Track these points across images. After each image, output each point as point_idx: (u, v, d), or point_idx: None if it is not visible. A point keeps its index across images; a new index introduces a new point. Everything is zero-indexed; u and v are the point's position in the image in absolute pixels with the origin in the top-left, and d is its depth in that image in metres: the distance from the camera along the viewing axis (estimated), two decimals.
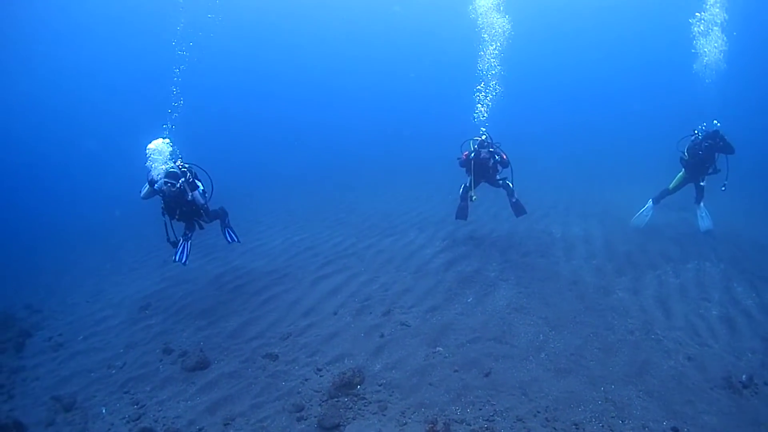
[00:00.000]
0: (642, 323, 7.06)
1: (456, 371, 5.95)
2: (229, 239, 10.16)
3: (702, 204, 11.16)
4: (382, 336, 7.02)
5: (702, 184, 10.93)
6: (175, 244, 8.95)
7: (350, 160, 28.88)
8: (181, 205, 8.72)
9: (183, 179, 8.53)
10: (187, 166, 8.91)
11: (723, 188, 10.54)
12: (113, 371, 7.09)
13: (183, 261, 8.98)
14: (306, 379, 6.16)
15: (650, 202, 11.70)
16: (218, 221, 10.09)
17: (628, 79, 41.60)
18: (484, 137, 10.40)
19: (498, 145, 10.50)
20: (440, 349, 6.52)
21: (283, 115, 43.47)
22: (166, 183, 8.31)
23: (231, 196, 18.98)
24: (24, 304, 10.51)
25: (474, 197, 10.50)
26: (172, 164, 8.66)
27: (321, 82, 49.13)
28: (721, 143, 10.41)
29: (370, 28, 49.77)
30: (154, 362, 7.14)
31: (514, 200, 10.97)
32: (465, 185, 10.85)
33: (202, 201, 8.87)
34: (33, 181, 29.74)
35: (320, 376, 6.19)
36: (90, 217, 20.11)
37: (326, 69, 50.16)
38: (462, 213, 11.16)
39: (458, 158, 10.61)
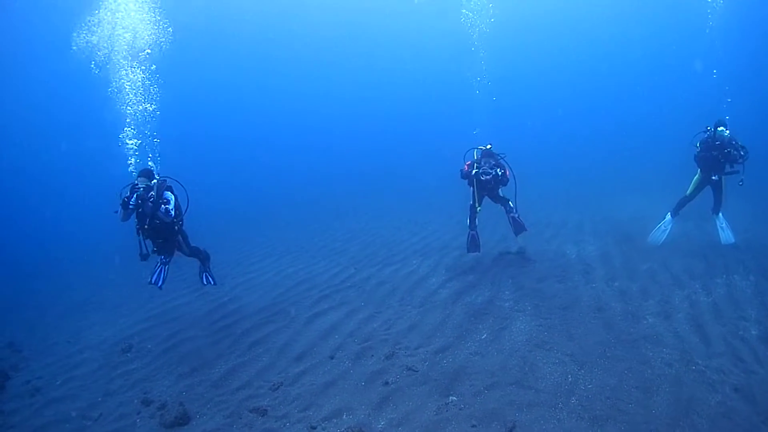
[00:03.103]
0: (680, 353, 6.25)
1: (474, 426, 5.08)
2: (204, 281, 9.65)
3: (720, 214, 10.59)
4: (385, 384, 6.16)
5: (714, 178, 10.29)
6: (145, 257, 8.49)
7: (347, 184, 28.35)
8: (152, 217, 8.19)
9: (155, 181, 8.26)
10: (159, 177, 8.53)
11: (740, 183, 9.94)
12: (89, 423, 6.45)
13: (159, 285, 8.62)
14: None
15: (668, 216, 11.00)
16: (199, 262, 9.56)
17: (632, 86, 41.18)
18: (489, 146, 10.08)
19: (503, 156, 10.15)
20: (454, 398, 5.65)
21: (280, 139, 43.19)
22: (136, 185, 8.08)
23: (224, 221, 18.59)
24: (6, 341, 9.93)
25: (479, 208, 10.20)
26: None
27: (316, 104, 48.91)
28: (732, 150, 9.93)
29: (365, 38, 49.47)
30: (131, 414, 6.44)
31: (513, 215, 10.45)
32: (470, 213, 10.44)
33: (166, 219, 8.26)
34: (21, 204, 29.09)
35: None
36: (80, 246, 19.50)
37: (322, 90, 49.99)
38: (474, 245, 10.63)
39: (461, 169, 10.22)
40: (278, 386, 6.49)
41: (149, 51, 10.61)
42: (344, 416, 5.61)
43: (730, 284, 8.41)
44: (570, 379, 5.81)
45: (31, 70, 34.61)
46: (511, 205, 10.41)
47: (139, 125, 9.75)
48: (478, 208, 10.20)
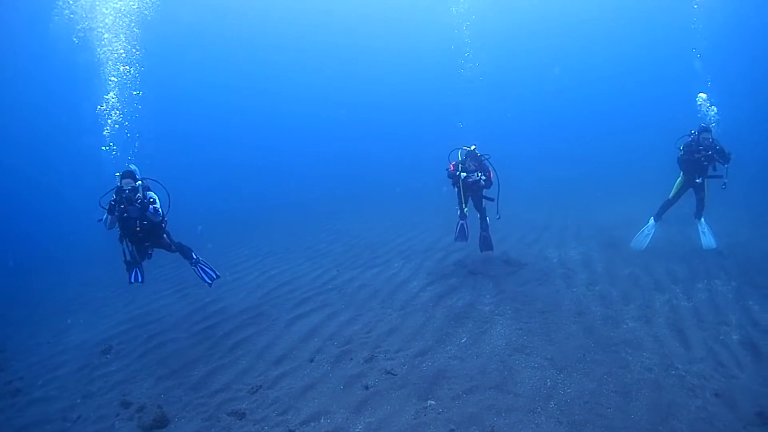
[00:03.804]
0: (660, 357, 6.27)
1: (452, 431, 5.07)
2: (207, 279, 9.17)
3: (702, 219, 10.61)
4: (364, 388, 6.13)
5: (698, 181, 10.31)
6: (133, 264, 8.41)
7: (335, 186, 28.23)
8: (141, 218, 8.02)
9: (140, 183, 8.07)
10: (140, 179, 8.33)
11: (723, 187, 9.96)
12: (68, 424, 6.47)
13: (140, 280, 8.54)
14: None
15: (651, 220, 11.00)
16: (188, 261, 9.27)
17: (618, 91, 41.25)
18: (473, 147, 10.04)
19: (487, 157, 10.15)
20: (432, 402, 5.64)
21: (264, 140, 42.90)
22: (122, 188, 7.90)
23: (210, 221, 18.46)
24: None
25: (466, 209, 10.24)
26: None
27: (302, 106, 48.73)
28: (714, 153, 9.99)
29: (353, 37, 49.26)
30: (110, 416, 6.44)
31: (484, 234, 10.67)
32: (458, 203, 10.43)
33: (155, 219, 8.10)
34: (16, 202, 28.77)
35: None
36: (72, 244, 19.41)
37: (308, 91, 49.76)
38: (462, 234, 10.64)
39: (446, 169, 10.22)
40: (257, 389, 6.46)
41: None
42: (322, 420, 5.58)
43: (712, 289, 8.45)
44: (549, 384, 5.81)
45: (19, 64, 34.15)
46: (488, 223, 10.62)
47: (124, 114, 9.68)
48: (465, 209, 10.21)
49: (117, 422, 6.25)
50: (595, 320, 7.51)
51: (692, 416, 5.04)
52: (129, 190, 7.87)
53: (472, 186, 10.04)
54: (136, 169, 8.32)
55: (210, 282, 9.17)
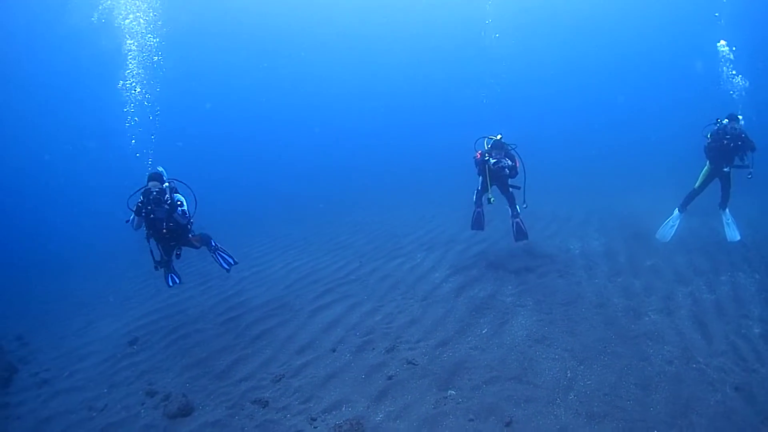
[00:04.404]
0: (681, 350, 6.23)
1: (471, 420, 5.12)
2: (225, 266, 9.28)
3: (727, 210, 10.38)
4: (385, 377, 6.21)
5: (725, 170, 10.10)
6: (160, 265, 8.47)
7: (355, 176, 28.16)
8: (167, 220, 8.06)
9: (167, 184, 8.08)
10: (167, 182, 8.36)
11: (749, 176, 9.81)
12: (94, 414, 6.57)
13: (178, 282, 8.76)
14: (298, 431, 5.38)
15: (676, 211, 10.79)
16: (209, 251, 9.35)
17: (639, 76, 40.40)
18: (499, 137, 9.87)
19: (513, 147, 9.95)
20: (452, 392, 5.70)
21: (282, 133, 42.77)
22: (149, 189, 7.87)
23: (226, 217, 18.56)
24: (16, 335, 10.10)
25: (492, 199, 9.89)
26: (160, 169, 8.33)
27: (322, 99, 48.59)
28: (741, 143, 9.77)
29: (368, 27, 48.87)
30: (135, 405, 6.55)
31: (517, 221, 10.35)
32: (478, 190, 10.26)
33: (183, 221, 8.16)
34: (35, 201, 29.21)
35: (314, 428, 5.40)
36: (95, 240, 19.50)
37: (322, 84, 49.58)
38: (478, 222, 10.55)
39: (473, 157, 10.06)
40: (280, 378, 6.55)
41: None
42: (343, 408, 5.67)
43: (735, 282, 8.34)
44: (569, 375, 5.83)
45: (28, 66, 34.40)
46: (518, 209, 10.29)
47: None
48: (491, 199, 9.93)
49: (143, 411, 6.38)
50: (617, 312, 7.47)
51: (711, 410, 5.02)
52: (156, 192, 7.86)
53: (499, 173, 9.83)
54: (163, 170, 8.35)
55: (228, 268, 9.27)
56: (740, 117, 9.92)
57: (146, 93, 9.72)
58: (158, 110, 9.70)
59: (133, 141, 9.64)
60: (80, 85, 35.70)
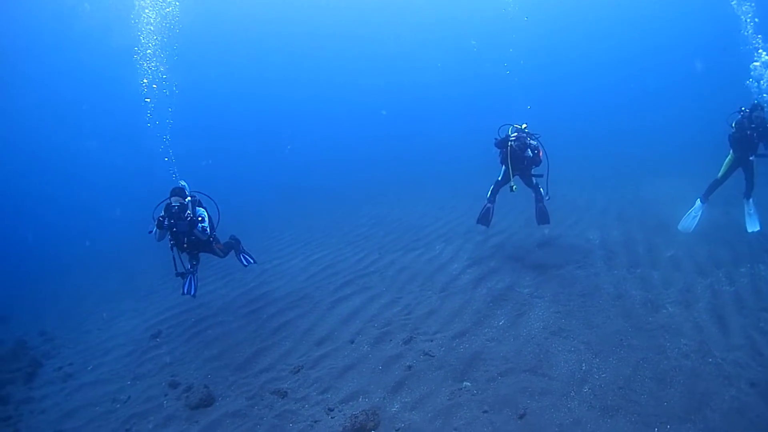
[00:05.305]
0: (698, 344, 6.15)
1: (485, 412, 5.18)
2: (245, 263, 9.76)
3: (751, 200, 10.21)
4: (402, 368, 6.29)
5: (751, 158, 9.93)
6: (183, 275, 8.54)
7: (374, 168, 28.16)
8: (188, 234, 8.17)
9: (189, 199, 8.14)
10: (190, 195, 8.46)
11: None
12: (118, 405, 6.77)
13: (192, 293, 8.65)
14: (315, 421, 5.50)
15: (698, 202, 10.60)
16: (233, 252, 9.64)
17: (659, 60, 39.70)
18: (524, 126, 9.76)
19: (537, 136, 9.82)
20: (468, 383, 5.76)
21: (302, 127, 42.82)
22: (171, 204, 7.95)
23: (247, 212, 18.66)
24: (39, 330, 10.38)
25: (514, 187, 9.79)
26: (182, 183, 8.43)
27: (342, 93, 48.50)
28: (765, 131, 9.63)
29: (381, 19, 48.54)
30: (158, 397, 6.75)
31: (541, 205, 10.24)
32: (493, 186, 10.21)
33: (203, 237, 8.26)
34: (59, 201, 29.51)
35: (331, 418, 5.51)
36: (119, 238, 19.60)
37: (342, 76, 49.53)
38: (485, 217, 10.44)
39: (495, 138, 9.84)
40: (299, 369, 6.68)
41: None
42: (360, 399, 5.78)
43: (755, 274, 8.15)
44: (584, 368, 5.83)
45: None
46: (542, 192, 10.18)
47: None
48: (514, 186, 9.81)
49: (165, 402, 6.55)
50: (635, 304, 7.41)
51: (725, 406, 4.97)
52: (177, 206, 7.94)
53: (521, 155, 9.65)
54: (186, 185, 8.44)
55: (246, 264, 9.73)
56: (765, 106, 9.81)
57: (175, 90, 9.81)
58: (170, 109, 9.79)
59: (167, 137, 9.77)
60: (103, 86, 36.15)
